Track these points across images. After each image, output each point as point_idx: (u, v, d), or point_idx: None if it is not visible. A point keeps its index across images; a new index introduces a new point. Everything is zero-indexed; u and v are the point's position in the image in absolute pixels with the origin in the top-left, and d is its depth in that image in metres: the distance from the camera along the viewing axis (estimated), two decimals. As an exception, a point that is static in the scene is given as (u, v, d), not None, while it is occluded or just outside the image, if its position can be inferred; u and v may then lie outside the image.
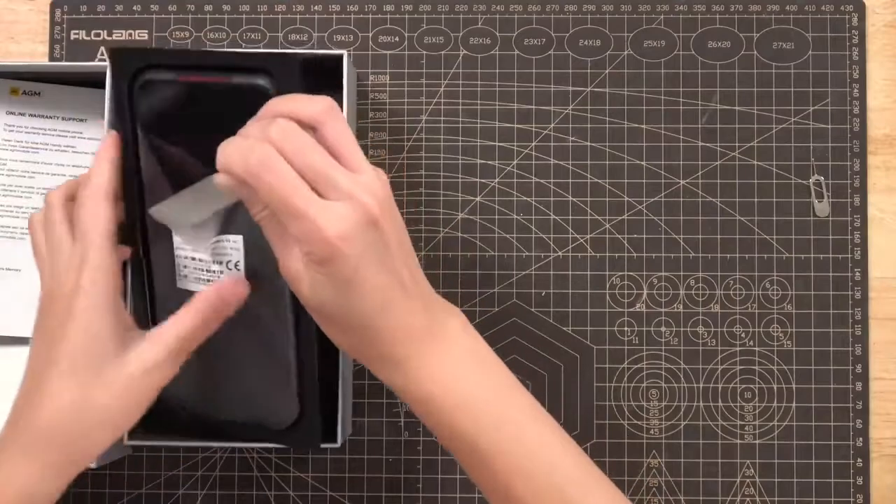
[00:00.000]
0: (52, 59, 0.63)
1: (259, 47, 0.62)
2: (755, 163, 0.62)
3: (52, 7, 0.63)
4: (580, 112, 0.62)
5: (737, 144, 0.62)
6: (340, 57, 0.54)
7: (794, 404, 0.61)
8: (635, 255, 0.62)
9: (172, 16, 0.63)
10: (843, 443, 0.61)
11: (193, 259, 0.49)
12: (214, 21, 0.63)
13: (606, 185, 0.62)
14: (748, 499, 0.61)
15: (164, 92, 0.48)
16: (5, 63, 0.62)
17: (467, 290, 0.62)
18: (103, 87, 0.55)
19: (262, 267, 0.48)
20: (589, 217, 0.62)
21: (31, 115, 0.60)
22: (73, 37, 0.63)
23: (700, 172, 0.62)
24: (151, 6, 0.63)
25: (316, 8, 0.63)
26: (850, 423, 0.61)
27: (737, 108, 0.62)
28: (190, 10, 0.63)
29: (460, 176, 0.62)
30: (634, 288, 0.62)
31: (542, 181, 0.62)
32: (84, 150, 0.60)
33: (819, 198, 0.62)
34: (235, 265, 0.49)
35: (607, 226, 0.62)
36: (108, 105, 0.53)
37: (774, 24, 0.63)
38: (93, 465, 0.54)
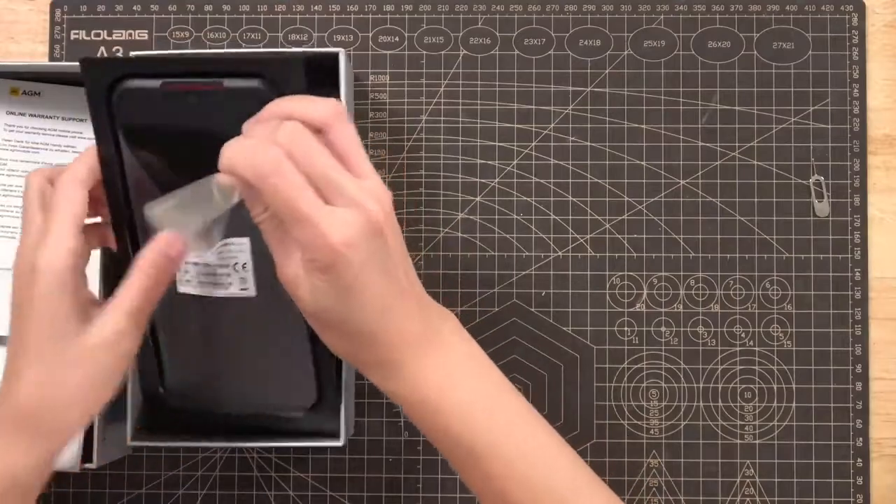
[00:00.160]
0: (52, 59, 0.63)
1: (259, 47, 0.62)
2: (755, 163, 0.62)
3: (52, 7, 0.63)
4: (580, 112, 0.62)
5: (737, 144, 0.62)
6: (337, 55, 0.54)
7: (794, 404, 0.61)
8: (635, 255, 0.62)
9: (172, 16, 0.63)
10: (843, 443, 0.61)
11: (196, 264, 0.49)
12: (214, 21, 0.63)
13: (606, 185, 0.62)
14: (748, 499, 0.61)
15: (147, 100, 0.47)
16: (5, 63, 0.62)
17: (467, 290, 0.62)
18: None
19: (271, 267, 0.48)
20: (589, 217, 0.62)
21: (31, 115, 0.60)
22: (73, 37, 0.63)
23: (700, 172, 0.62)
24: (151, 6, 0.63)
25: (316, 8, 0.63)
26: (850, 423, 0.61)
27: (737, 108, 0.62)
28: (190, 10, 0.63)
29: (460, 176, 0.62)
30: (634, 288, 0.62)
31: (542, 181, 0.62)
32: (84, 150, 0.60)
33: (819, 198, 0.62)
34: (243, 266, 0.49)
35: (607, 226, 0.62)
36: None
37: (774, 24, 0.63)
38: (93, 466, 0.54)
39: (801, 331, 0.61)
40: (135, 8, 0.63)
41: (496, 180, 0.62)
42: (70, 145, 0.60)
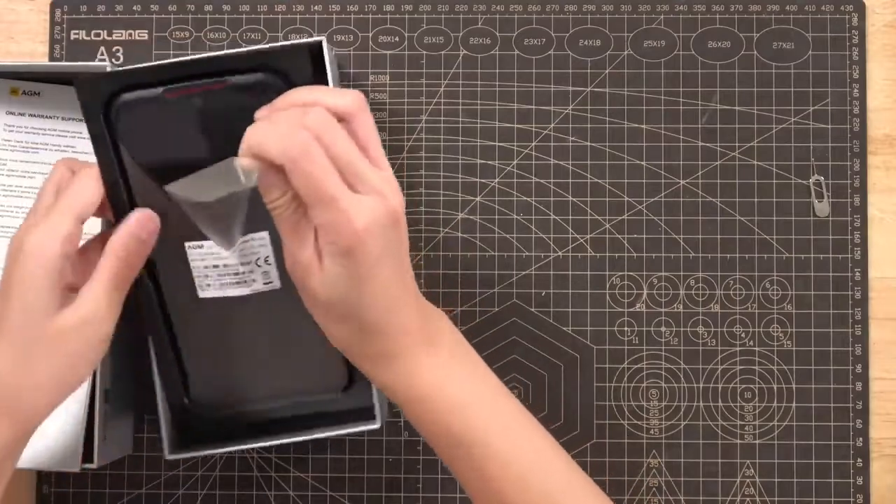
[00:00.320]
0: (52, 59, 0.63)
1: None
2: (755, 163, 0.62)
3: (52, 7, 0.63)
4: (580, 112, 0.62)
5: (737, 144, 0.62)
6: (319, 44, 0.54)
7: (794, 404, 0.61)
8: (635, 255, 0.62)
9: (172, 16, 0.63)
10: (843, 443, 0.61)
11: (216, 266, 0.50)
12: (214, 21, 0.63)
13: (606, 185, 0.62)
14: (748, 499, 0.61)
15: (148, 109, 0.47)
16: (5, 63, 0.62)
17: (467, 290, 0.62)
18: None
19: None
20: (589, 217, 0.62)
21: (31, 115, 0.60)
22: (73, 37, 0.63)
23: (700, 172, 0.62)
24: (151, 6, 0.63)
25: (316, 8, 0.63)
26: (850, 423, 0.61)
27: (737, 108, 0.62)
28: (190, 10, 0.63)
29: (460, 176, 0.62)
30: (634, 288, 0.62)
31: (542, 181, 0.62)
32: (84, 150, 0.60)
33: (819, 198, 0.62)
34: (265, 260, 0.49)
35: (607, 226, 0.62)
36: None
37: (774, 24, 0.63)
38: (93, 466, 0.54)
39: (801, 331, 0.61)
40: (135, 8, 0.63)
41: (496, 180, 0.62)
42: (70, 145, 0.60)
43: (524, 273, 0.62)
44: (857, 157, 0.62)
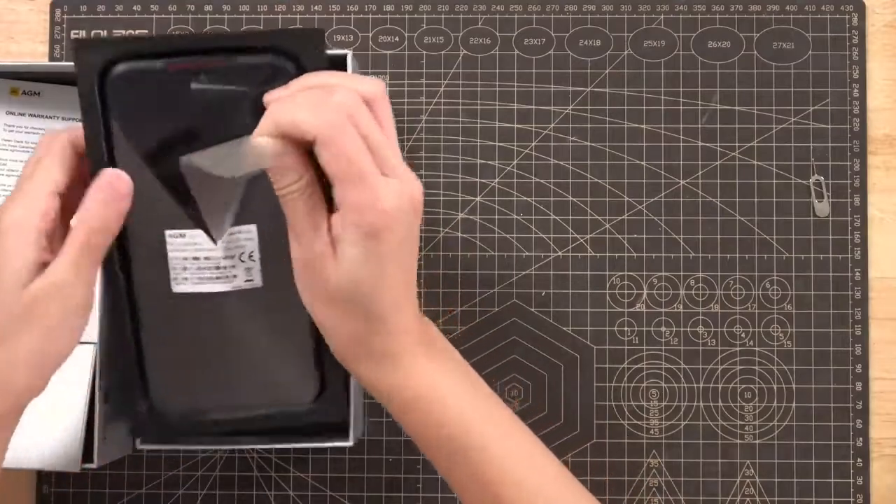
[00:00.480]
0: (52, 59, 0.63)
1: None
2: (755, 163, 0.62)
3: (52, 7, 0.63)
4: (580, 112, 0.62)
5: (737, 144, 0.62)
6: (344, 58, 0.54)
7: (794, 404, 0.61)
8: (635, 255, 0.62)
9: (172, 16, 0.63)
10: (843, 443, 0.61)
11: (196, 259, 0.48)
12: (214, 21, 0.63)
13: (606, 185, 0.62)
14: (748, 499, 0.61)
15: (147, 82, 0.45)
16: (5, 63, 0.62)
17: (467, 290, 0.62)
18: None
19: (277, 253, 0.47)
20: (589, 217, 0.62)
21: (31, 115, 0.60)
22: (73, 37, 0.63)
23: (700, 172, 0.62)
24: (151, 6, 0.63)
25: (316, 8, 0.63)
26: (850, 423, 0.61)
27: (737, 108, 0.62)
28: (190, 10, 0.63)
29: (460, 176, 0.62)
30: (634, 288, 0.62)
31: (542, 181, 0.62)
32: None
33: (819, 198, 0.62)
34: (250, 256, 0.48)
35: (607, 226, 0.62)
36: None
37: (774, 24, 0.63)
38: (93, 466, 0.54)
39: (801, 331, 0.61)
40: (135, 8, 0.63)
41: (496, 180, 0.62)
42: (70, 145, 0.60)
43: (524, 273, 0.62)
44: (857, 157, 0.62)
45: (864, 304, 0.61)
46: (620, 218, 0.62)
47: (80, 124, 0.46)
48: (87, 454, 0.54)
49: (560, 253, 0.62)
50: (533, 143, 0.62)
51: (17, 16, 0.63)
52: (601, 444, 0.61)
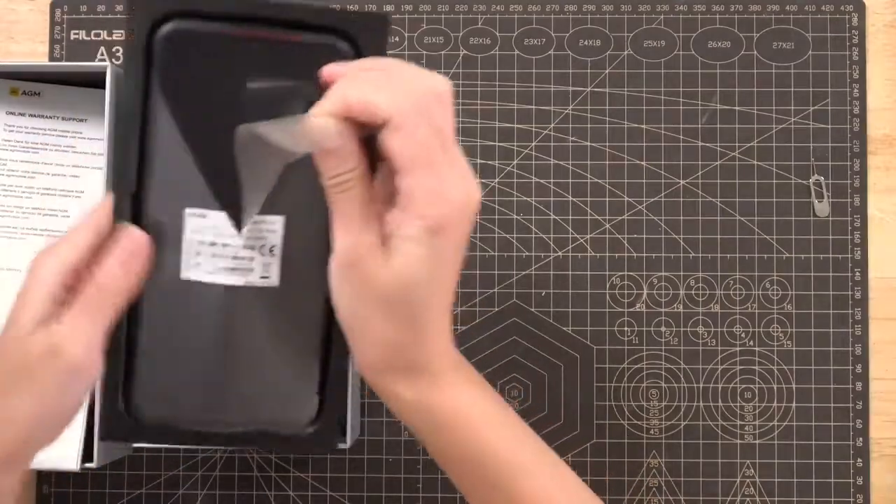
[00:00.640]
0: (52, 59, 0.63)
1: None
2: (755, 163, 0.62)
3: (52, 7, 0.63)
4: (580, 112, 0.62)
5: (737, 144, 0.62)
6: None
7: (794, 404, 0.61)
8: (635, 255, 0.62)
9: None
10: (843, 443, 0.61)
11: (213, 244, 0.44)
12: (214, 21, 0.63)
13: (606, 185, 0.62)
14: (748, 499, 0.61)
15: (199, 46, 0.42)
16: (5, 63, 0.62)
17: (467, 290, 0.62)
18: (103, 87, 0.55)
19: (300, 252, 0.44)
20: (589, 217, 0.62)
21: (31, 115, 0.60)
22: (73, 37, 0.63)
23: (700, 172, 0.62)
24: (151, 6, 0.63)
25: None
26: (850, 423, 0.61)
27: (737, 108, 0.62)
28: (190, 10, 0.63)
29: (460, 176, 0.62)
30: (634, 288, 0.62)
31: (542, 181, 0.62)
32: (84, 150, 0.60)
33: (819, 198, 0.62)
34: (270, 250, 0.44)
35: (607, 226, 0.62)
36: (109, 98, 0.52)
37: (774, 24, 0.63)
38: (93, 465, 0.54)
39: (801, 331, 0.61)
40: (135, 8, 0.63)
41: (496, 180, 0.62)
42: (70, 145, 0.60)
43: (524, 273, 0.62)
44: (857, 157, 0.62)
45: (864, 304, 0.61)
46: (620, 218, 0.62)
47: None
48: (87, 454, 0.54)
49: (560, 253, 0.62)
50: (533, 143, 0.62)
51: (17, 16, 0.63)
52: (601, 444, 0.61)
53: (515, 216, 0.62)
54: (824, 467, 0.61)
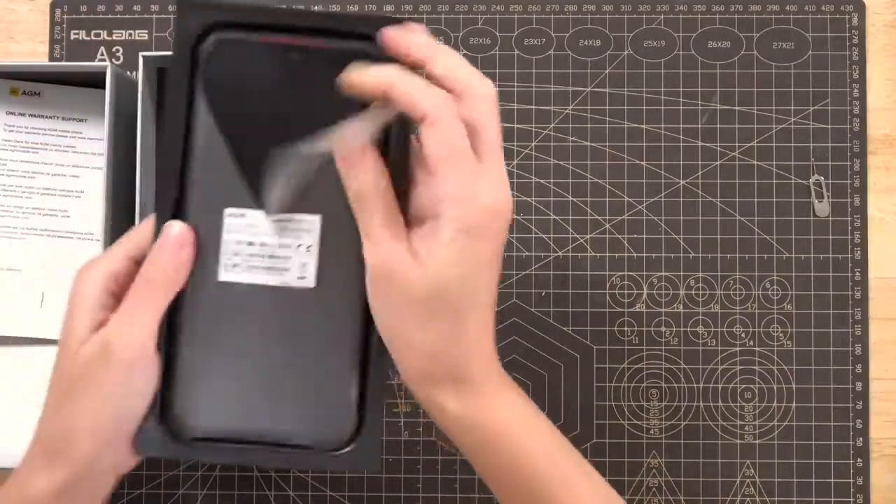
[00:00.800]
0: (52, 59, 0.63)
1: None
2: (755, 163, 0.62)
3: (52, 7, 0.63)
4: (580, 112, 0.62)
5: (737, 144, 0.62)
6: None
7: (794, 404, 0.61)
8: (635, 255, 0.62)
9: (172, 16, 0.63)
10: (843, 443, 0.61)
11: (251, 244, 0.43)
12: (214, 21, 0.63)
13: (606, 185, 0.62)
14: (748, 499, 0.61)
15: (240, 55, 0.42)
16: (5, 63, 0.62)
17: (467, 290, 0.62)
18: (103, 87, 0.55)
19: (337, 254, 0.43)
20: (589, 217, 0.62)
21: (31, 115, 0.60)
22: (73, 37, 0.63)
23: (700, 172, 0.62)
24: (151, 6, 0.63)
25: (316, 8, 0.63)
26: (850, 423, 0.61)
27: (737, 108, 0.62)
28: (190, 10, 0.63)
29: (460, 176, 0.62)
30: (634, 288, 0.62)
31: (542, 181, 0.62)
32: (84, 150, 0.60)
33: (819, 198, 0.62)
34: (307, 248, 0.43)
35: (607, 226, 0.62)
36: (109, 98, 0.52)
37: (774, 24, 0.63)
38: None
39: (801, 331, 0.61)
40: (135, 8, 0.63)
41: (496, 180, 0.62)
42: (70, 145, 0.60)
43: (524, 273, 0.62)
44: (857, 157, 0.62)
45: (864, 304, 0.61)
46: (620, 218, 0.62)
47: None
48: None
49: (560, 253, 0.62)
50: (533, 143, 0.62)
51: (17, 16, 0.63)
52: (601, 444, 0.61)
53: (515, 216, 0.62)
54: (824, 467, 0.61)
